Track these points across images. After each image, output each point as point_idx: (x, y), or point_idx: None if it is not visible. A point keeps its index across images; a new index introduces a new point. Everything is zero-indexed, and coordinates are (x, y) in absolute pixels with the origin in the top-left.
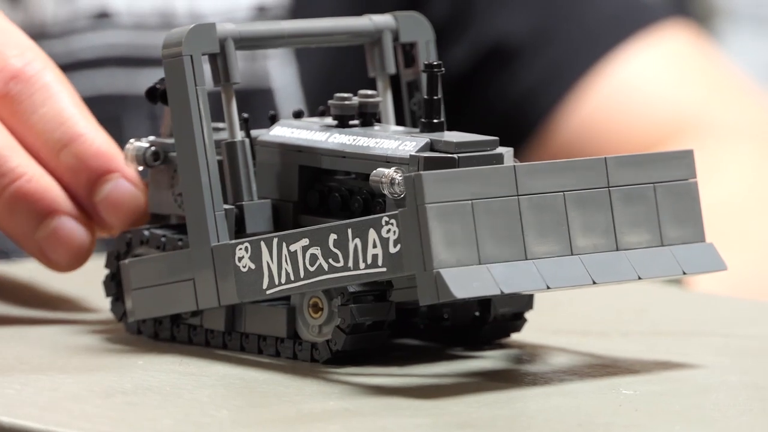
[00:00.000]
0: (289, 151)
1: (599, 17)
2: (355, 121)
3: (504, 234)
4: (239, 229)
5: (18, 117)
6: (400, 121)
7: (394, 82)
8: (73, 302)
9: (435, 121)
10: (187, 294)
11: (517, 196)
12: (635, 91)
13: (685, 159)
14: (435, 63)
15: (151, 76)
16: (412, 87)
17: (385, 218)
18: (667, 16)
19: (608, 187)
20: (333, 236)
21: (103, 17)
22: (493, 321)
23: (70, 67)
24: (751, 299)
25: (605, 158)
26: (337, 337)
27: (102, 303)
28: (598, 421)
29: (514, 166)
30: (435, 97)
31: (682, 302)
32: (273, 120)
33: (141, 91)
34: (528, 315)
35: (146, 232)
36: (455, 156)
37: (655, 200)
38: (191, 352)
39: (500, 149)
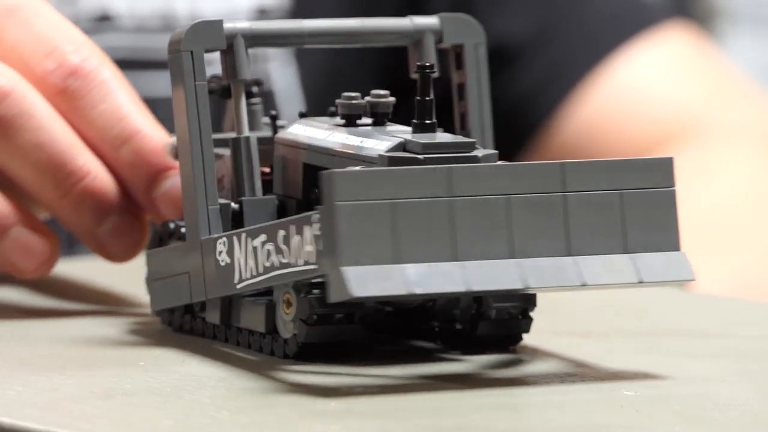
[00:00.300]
0: (296, 148)
1: (600, 18)
2: (367, 120)
3: (432, 235)
4: (239, 225)
5: (77, 112)
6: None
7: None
8: (120, 297)
9: (427, 122)
10: (184, 286)
11: (451, 197)
12: (636, 92)
13: (663, 167)
14: (427, 64)
15: (153, 79)
16: (461, 90)
17: (314, 215)
18: (667, 17)
19: (564, 192)
20: (282, 232)
21: (104, 20)
22: (491, 319)
23: None
24: (752, 300)
25: (562, 163)
26: (301, 329)
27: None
28: (599, 422)
29: (449, 167)
30: (427, 98)
31: (682, 303)
32: (274, 120)
33: (143, 94)
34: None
35: (172, 224)
36: (420, 156)
37: (621, 207)
38: (193, 352)
39: (479, 152)
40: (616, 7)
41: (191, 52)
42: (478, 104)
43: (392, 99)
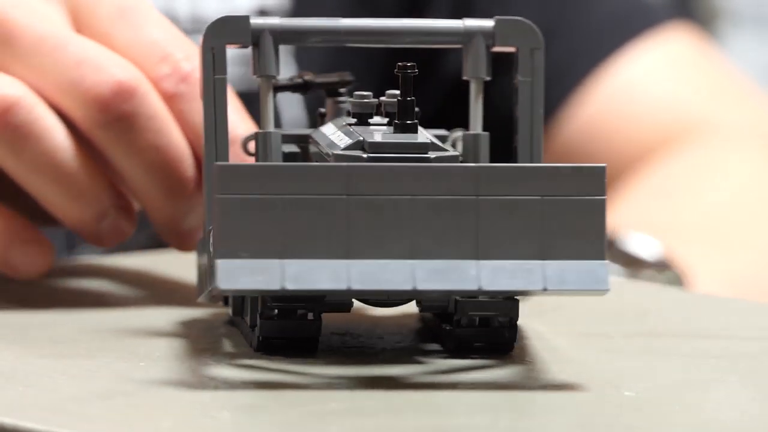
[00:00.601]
0: (311, 144)
1: (601, 19)
2: (380, 120)
3: (324, 233)
4: None
5: (182, 117)
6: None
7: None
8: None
9: (408, 122)
10: (204, 277)
11: (348, 195)
12: (637, 93)
13: (593, 175)
14: (408, 64)
15: None
16: (514, 94)
17: None
18: (669, 18)
19: (476, 196)
20: None
21: None
22: (470, 326)
23: None
24: (754, 300)
25: (477, 166)
26: (260, 324)
27: None
28: (600, 422)
29: (349, 166)
30: (408, 99)
31: (683, 303)
32: (322, 117)
33: None
34: (528, 316)
35: None
36: (364, 156)
37: (541, 213)
38: (194, 353)
39: (436, 153)
40: (617, 8)
41: (212, 47)
42: (529, 109)
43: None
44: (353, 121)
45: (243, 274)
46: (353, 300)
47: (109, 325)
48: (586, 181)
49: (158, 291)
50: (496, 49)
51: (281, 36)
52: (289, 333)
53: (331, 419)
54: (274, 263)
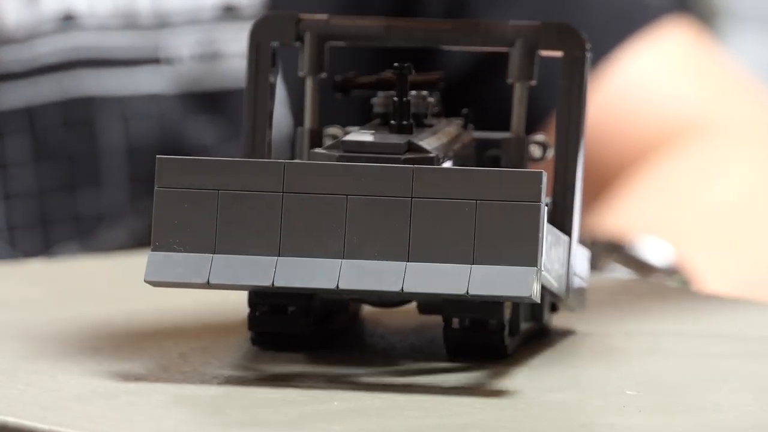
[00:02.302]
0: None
1: (600, 16)
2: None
3: (257, 228)
4: None
5: None
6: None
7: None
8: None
9: (404, 123)
10: None
11: (283, 192)
12: (638, 91)
13: (530, 181)
14: (404, 65)
15: (119, 77)
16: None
17: None
18: (669, 15)
19: (411, 197)
20: None
21: (68, 19)
22: (454, 328)
23: (37, 71)
24: (756, 300)
25: (412, 167)
26: (248, 318)
27: None
28: (602, 422)
29: (285, 163)
30: (404, 99)
31: (686, 303)
32: (467, 119)
33: (110, 93)
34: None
35: None
36: (335, 154)
37: (474, 217)
38: (195, 352)
39: (412, 154)
40: (617, 6)
41: (257, 44)
42: (567, 114)
43: (430, 100)
44: (377, 122)
45: (169, 267)
46: (350, 298)
47: (111, 324)
48: (522, 186)
49: (159, 290)
50: (540, 53)
51: (327, 35)
52: (276, 328)
53: (335, 418)
54: (204, 257)
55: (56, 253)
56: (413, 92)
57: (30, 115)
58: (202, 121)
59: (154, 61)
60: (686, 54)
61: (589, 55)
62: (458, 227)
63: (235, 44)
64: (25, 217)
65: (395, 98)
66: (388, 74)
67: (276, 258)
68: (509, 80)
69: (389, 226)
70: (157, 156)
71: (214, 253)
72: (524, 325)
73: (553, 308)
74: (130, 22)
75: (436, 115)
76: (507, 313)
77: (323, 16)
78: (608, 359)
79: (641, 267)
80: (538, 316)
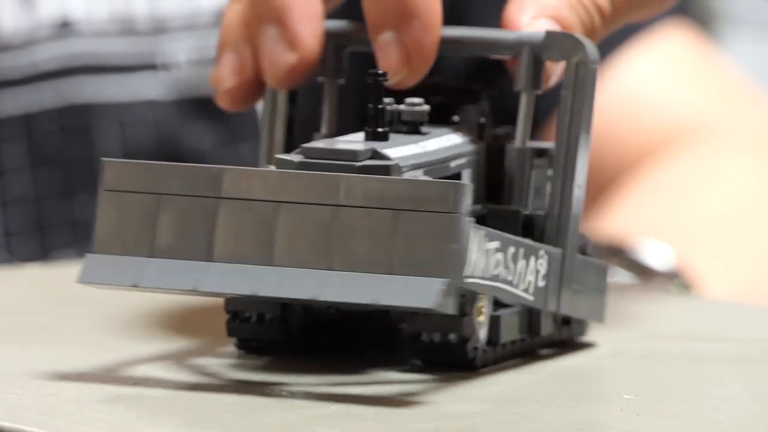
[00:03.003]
0: None
1: None
2: (400, 128)
3: (191, 233)
4: None
5: None
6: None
7: None
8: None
9: (379, 130)
10: None
11: (217, 198)
12: (636, 94)
13: (448, 192)
14: (380, 72)
15: (116, 83)
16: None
17: None
18: (667, 18)
19: (336, 206)
20: None
21: (65, 26)
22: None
23: (34, 77)
24: (755, 304)
25: (339, 176)
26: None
27: None
28: (600, 426)
29: (222, 168)
30: (379, 107)
31: (684, 307)
32: (482, 128)
33: (107, 99)
34: None
35: None
36: (295, 160)
37: (394, 227)
38: (194, 356)
39: (371, 161)
40: None
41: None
42: (568, 121)
43: (424, 108)
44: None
45: (103, 270)
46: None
47: (108, 329)
48: (439, 197)
49: (155, 295)
50: (545, 61)
51: (341, 40)
52: (252, 335)
53: (332, 422)
54: (137, 261)
55: (53, 259)
56: (410, 100)
57: (27, 121)
58: (199, 127)
59: (151, 67)
60: (685, 57)
61: (593, 66)
62: (379, 236)
63: None
64: (22, 224)
65: (370, 105)
66: (471, 84)
67: (208, 263)
68: (516, 89)
69: (315, 235)
70: (102, 159)
71: (150, 257)
72: (517, 337)
73: (566, 321)
74: (127, 28)
75: (481, 125)
76: (476, 326)
77: (338, 22)
78: (607, 363)
79: (642, 271)
80: (534, 328)
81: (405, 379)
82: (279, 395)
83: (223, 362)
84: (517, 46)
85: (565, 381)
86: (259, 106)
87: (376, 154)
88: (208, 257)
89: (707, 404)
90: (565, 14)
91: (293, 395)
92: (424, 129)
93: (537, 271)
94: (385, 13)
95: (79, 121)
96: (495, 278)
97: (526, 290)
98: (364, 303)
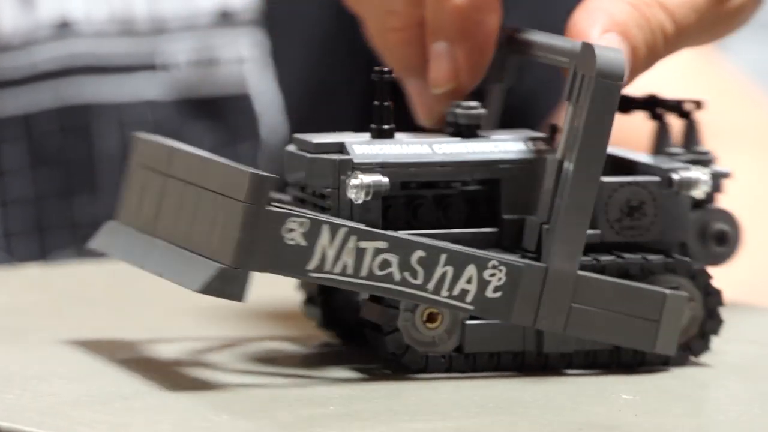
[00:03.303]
0: None
1: None
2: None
3: (150, 208)
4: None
5: None
6: None
7: None
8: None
9: (384, 127)
10: None
11: (161, 174)
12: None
13: (242, 179)
14: (385, 69)
15: (116, 84)
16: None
17: None
18: None
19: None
20: None
21: (64, 26)
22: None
23: (34, 78)
24: (757, 305)
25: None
26: None
27: None
28: (600, 426)
29: (171, 146)
30: (384, 104)
31: None
32: (554, 131)
33: (107, 99)
34: None
35: None
36: (289, 150)
37: (198, 206)
38: (193, 356)
39: (325, 156)
40: None
41: None
42: (569, 126)
43: (480, 111)
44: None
45: (107, 238)
46: None
47: (107, 329)
48: (237, 185)
49: (156, 294)
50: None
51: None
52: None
53: (330, 423)
54: (128, 230)
55: (53, 259)
56: (466, 103)
57: (27, 121)
58: (199, 127)
59: (151, 67)
60: (686, 58)
61: (607, 82)
62: (196, 216)
63: (231, 50)
64: (21, 224)
65: (375, 102)
66: (653, 94)
67: (148, 237)
68: (565, 99)
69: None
70: (138, 134)
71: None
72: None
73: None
74: (126, 29)
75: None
76: (423, 332)
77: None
78: (604, 363)
79: None
80: (530, 340)
81: (404, 379)
82: (276, 395)
83: (219, 363)
84: (573, 57)
85: (562, 382)
86: (258, 105)
87: (343, 149)
88: (151, 231)
89: (707, 404)
90: (633, 31)
91: (291, 395)
92: (485, 132)
93: (484, 281)
94: (445, 23)
95: (78, 121)
96: (375, 278)
97: (454, 297)
98: (157, 277)
